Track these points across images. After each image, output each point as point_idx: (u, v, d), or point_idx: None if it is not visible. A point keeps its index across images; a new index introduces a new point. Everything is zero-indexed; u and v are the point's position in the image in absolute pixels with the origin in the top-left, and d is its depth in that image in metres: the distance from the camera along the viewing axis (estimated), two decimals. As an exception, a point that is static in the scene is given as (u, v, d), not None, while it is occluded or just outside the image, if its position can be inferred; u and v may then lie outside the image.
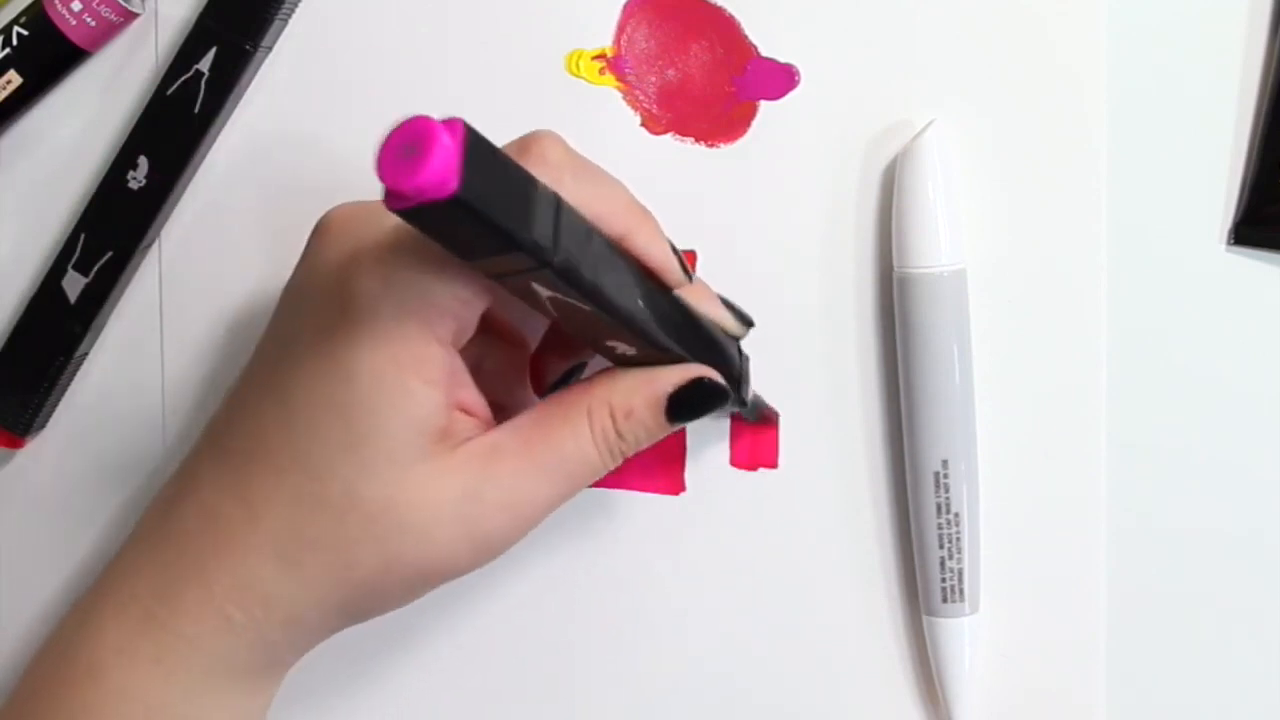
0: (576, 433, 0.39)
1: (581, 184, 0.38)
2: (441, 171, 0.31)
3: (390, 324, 0.37)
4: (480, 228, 0.33)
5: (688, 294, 0.41)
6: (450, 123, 0.32)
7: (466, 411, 0.39)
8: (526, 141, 0.38)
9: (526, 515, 0.39)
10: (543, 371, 0.44)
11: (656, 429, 0.40)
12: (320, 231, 0.40)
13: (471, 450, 0.38)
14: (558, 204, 0.36)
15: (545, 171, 0.36)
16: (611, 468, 0.40)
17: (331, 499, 0.38)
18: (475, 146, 0.33)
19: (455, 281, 0.37)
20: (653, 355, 0.40)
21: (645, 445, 0.40)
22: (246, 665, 0.39)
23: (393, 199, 0.32)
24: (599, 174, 0.40)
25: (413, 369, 0.37)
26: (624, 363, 0.40)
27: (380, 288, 0.37)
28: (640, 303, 0.38)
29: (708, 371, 0.40)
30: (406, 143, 0.32)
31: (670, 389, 0.40)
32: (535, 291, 0.36)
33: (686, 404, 0.40)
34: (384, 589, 0.39)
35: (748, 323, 0.44)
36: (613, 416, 0.39)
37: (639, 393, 0.40)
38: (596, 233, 0.37)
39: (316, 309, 0.38)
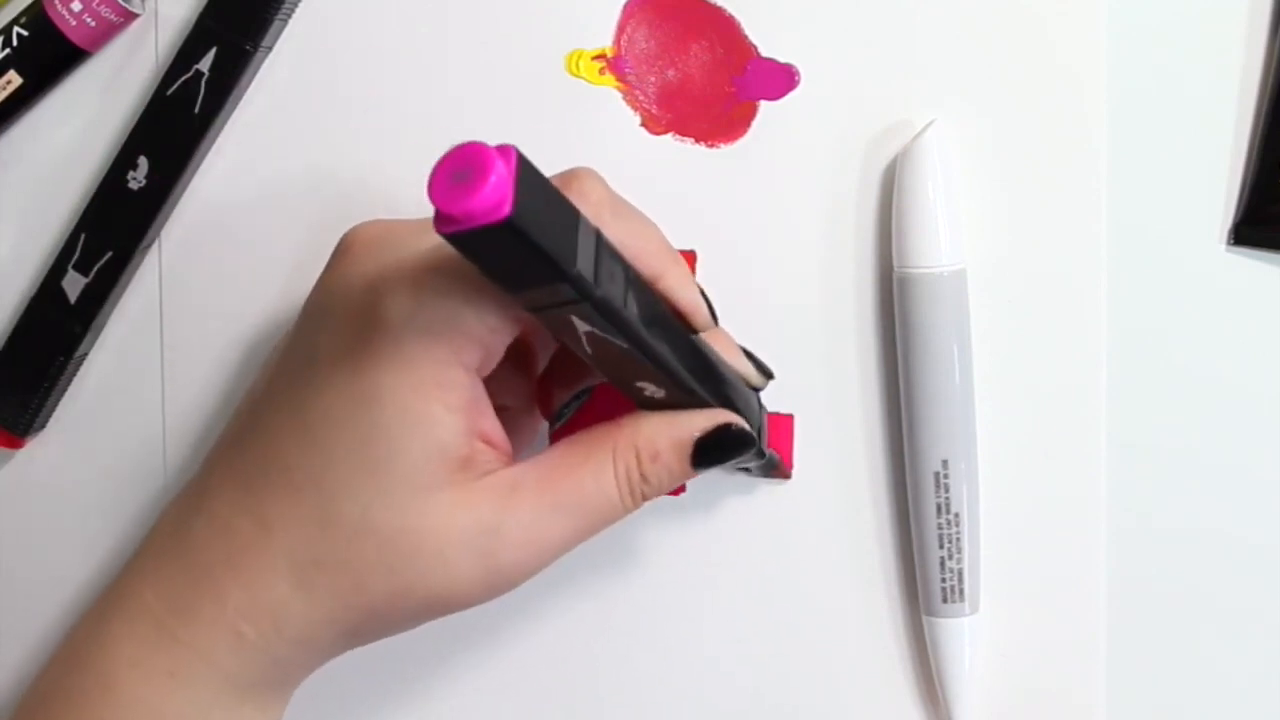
0: (600, 473, 0.39)
1: (620, 222, 0.38)
2: (495, 197, 0.32)
3: (418, 347, 0.37)
4: (528, 256, 0.33)
5: (713, 341, 0.41)
6: (504, 149, 0.32)
7: (487, 442, 0.39)
8: (567, 177, 0.38)
9: (543, 553, 0.39)
10: (550, 394, 0.44)
11: (681, 473, 0.40)
12: (346, 248, 0.40)
13: (492, 483, 0.38)
14: (598, 239, 0.36)
15: (586, 208, 0.36)
16: (632, 510, 0.40)
17: (347, 522, 0.37)
18: (527, 174, 0.33)
19: (487, 309, 0.37)
20: (680, 399, 0.40)
21: (667, 489, 0.40)
22: (258, 680, 0.39)
23: (443, 222, 0.32)
24: (636, 214, 0.40)
25: (437, 395, 0.37)
26: (651, 405, 0.40)
27: (410, 310, 0.37)
28: (672, 345, 0.38)
29: (735, 417, 0.40)
30: (459, 168, 0.32)
31: (698, 433, 0.40)
32: (573, 326, 0.36)
33: (713, 449, 0.40)
34: (394, 615, 0.39)
35: (768, 375, 0.44)
36: (638, 459, 0.39)
37: (665, 436, 0.39)
38: (633, 271, 0.37)
39: (341, 327, 0.38)
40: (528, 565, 0.39)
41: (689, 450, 0.40)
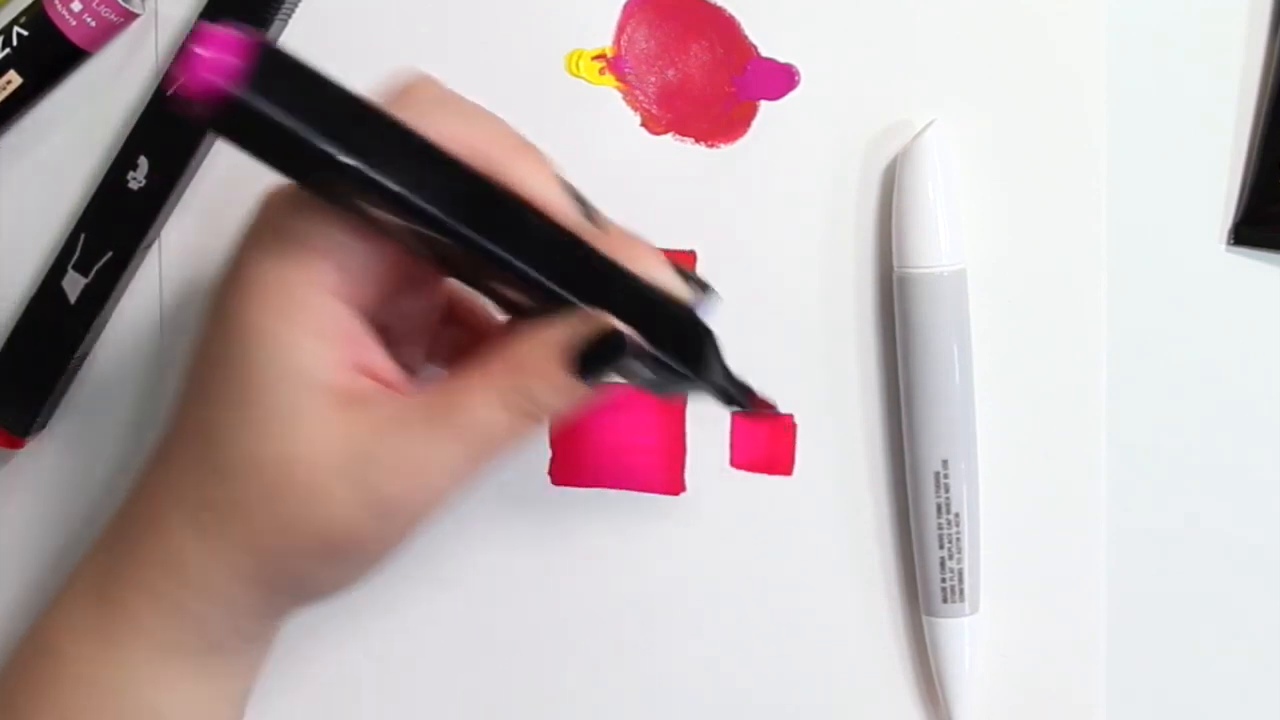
0: (478, 391, 0.37)
1: (449, 117, 0.37)
2: (217, 69, 0.33)
3: (270, 271, 0.36)
4: (277, 136, 0.34)
5: (627, 249, 0.39)
6: (238, 29, 0.33)
7: (376, 378, 0.37)
8: (399, 81, 0.38)
9: (425, 481, 0.37)
10: None
11: (563, 384, 0.37)
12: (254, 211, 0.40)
13: (370, 412, 0.37)
14: (399, 128, 0.35)
15: (407, 104, 0.36)
16: (523, 431, 0.37)
17: (227, 459, 0.37)
18: (270, 55, 0.34)
19: (331, 224, 0.36)
20: (553, 306, 0.37)
21: (559, 405, 0.37)
22: (182, 642, 0.39)
23: (184, 104, 0.33)
24: (474, 110, 0.38)
25: (297, 318, 0.36)
26: (531, 316, 0.38)
27: (259, 235, 0.37)
28: (526, 243, 0.37)
29: (609, 318, 0.37)
30: (194, 47, 0.33)
31: (568, 337, 0.37)
32: (393, 224, 0.35)
33: (591, 355, 0.37)
34: (292, 558, 0.37)
35: (702, 286, 0.40)
36: (514, 372, 0.37)
37: (538, 344, 0.37)
38: (468, 165, 0.36)
39: (225, 273, 0.38)
40: (410, 495, 0.37)
41: (563, 357, 0.37)
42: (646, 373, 0.39)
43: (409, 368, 0.40)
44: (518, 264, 0.37)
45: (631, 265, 0.39)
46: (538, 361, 0.37)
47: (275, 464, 0.36)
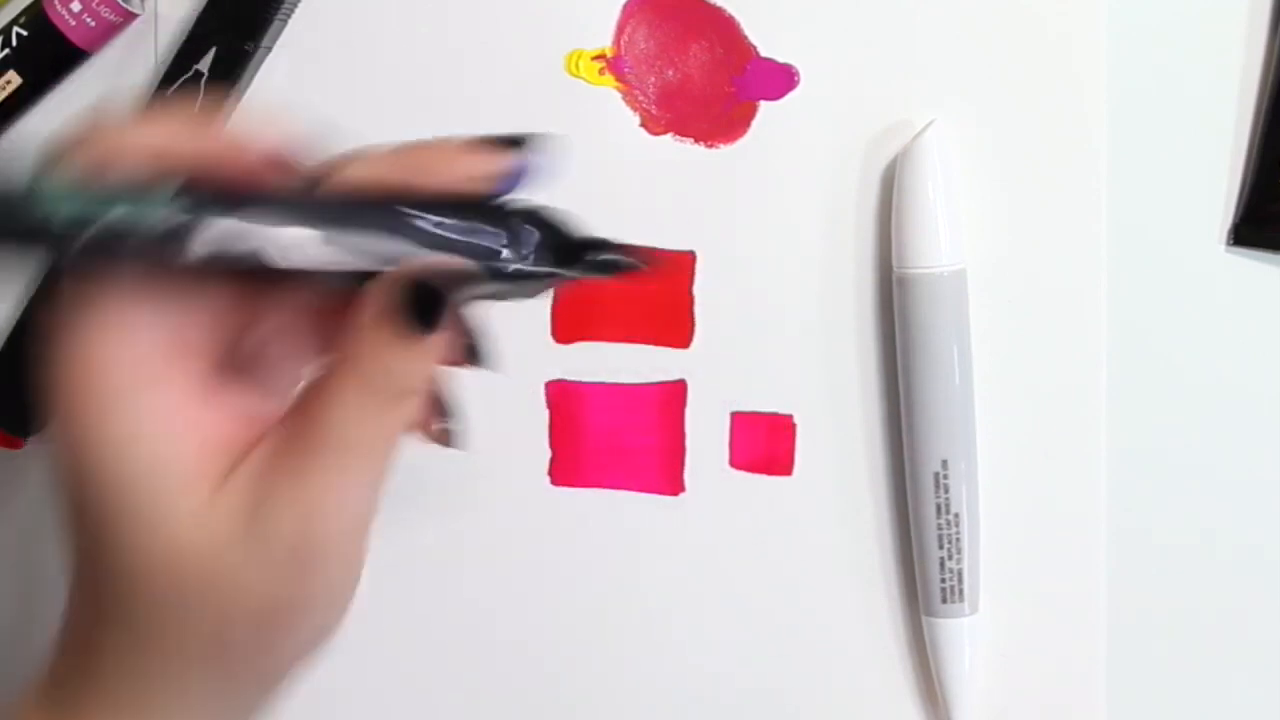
0: (328, 392, 0.33)
1: (115, 134, 0.33)
2: None
3: (79, 369, 0.34)
4: None
5: (403, 168, 0.34)
6: None
7: (237, 427, 0.34)
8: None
9: (322, 513, 0.33)
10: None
11: (406, 351, 0.33)
12: None
13: (244, 471, 0.33)
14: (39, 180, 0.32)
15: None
16: (399, 415, 0.34)
17: (122, 579, 0.33)
18: None
19: (124, 291, 0.33)
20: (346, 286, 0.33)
21: (417, 370, 0.34)
22: None
23: None
24: (153, 117, 0.34)
25: (122, 414, 0.33)
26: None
27: (65, 333, 0.34)
28: (293, 210, 0.32)
29: (414, 265, 0.33)
30: None
31: (384, 303, 0.33)
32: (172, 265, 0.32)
33: (415, 309, 0.33)
34: (235, 650, 0.34)
35: (523, 146, 0.34)
36: (355, 364, 0.33)
37: (361, 325, 0.33)
38: (113, 191, 0.32)
39: (42, 378, 0.35)
40: (313, 533, 0.33)
41: (390, 326, 0.33)
42: (494, 286, 0.35)
43: (298, 379, 0.36)
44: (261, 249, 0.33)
45: (425, 181, 0.34)
46: (370, 343, 0.33)
47: (168, 568, 0.33)
